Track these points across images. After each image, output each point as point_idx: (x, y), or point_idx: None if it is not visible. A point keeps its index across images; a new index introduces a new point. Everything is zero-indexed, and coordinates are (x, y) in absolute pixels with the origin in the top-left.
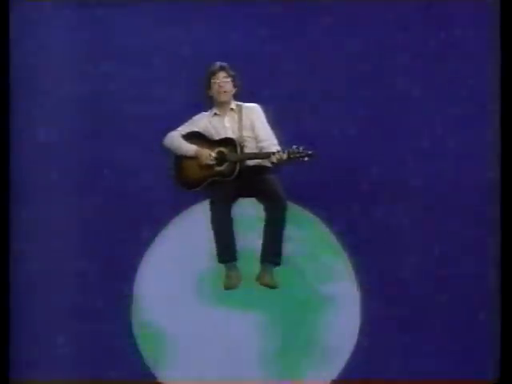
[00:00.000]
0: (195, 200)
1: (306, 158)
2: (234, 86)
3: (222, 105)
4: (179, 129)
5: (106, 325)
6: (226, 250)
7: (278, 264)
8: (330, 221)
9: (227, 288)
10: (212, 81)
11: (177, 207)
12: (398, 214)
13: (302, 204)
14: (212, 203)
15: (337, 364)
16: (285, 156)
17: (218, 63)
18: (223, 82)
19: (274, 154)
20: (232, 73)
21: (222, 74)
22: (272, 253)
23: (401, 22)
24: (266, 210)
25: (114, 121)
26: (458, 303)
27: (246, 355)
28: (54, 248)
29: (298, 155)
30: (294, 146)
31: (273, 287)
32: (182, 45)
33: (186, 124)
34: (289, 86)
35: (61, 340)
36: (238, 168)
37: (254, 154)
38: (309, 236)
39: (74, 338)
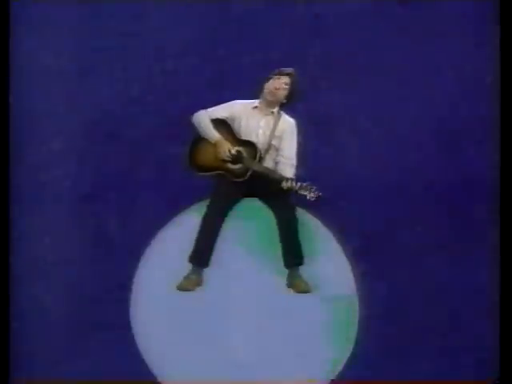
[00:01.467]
0: (196, 199)
1: (313, 199)
2: (287, 98)
3: (267, 103)
4: (211, 109)
5: (106, 324)
6: (201, 253)
7: (301, 264)
8: (330, 222)
9: (181, 289)
10: (273, 78)
11: (180, 204)
12: (397, 216)
13: (303, 206)
14: (210, 202)
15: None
16: (296, 187)
17: (291, 69)
18: (280, 85)
19: (287, 180)
20: (296, 86)
21: (285, 79)
22: (294, 255)
23: (401, 23)
24: (277, 213)
25: (115, 118)
26: (457, 303)
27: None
28: (52, 248)
29: (307, 192)
30: (308, 183)
31: (307, 292)
32: (192, 46)
33: (221, 107)
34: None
35: (61, 340)
36: (250, 172)
37: (269, 171)
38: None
39: (75, 338)
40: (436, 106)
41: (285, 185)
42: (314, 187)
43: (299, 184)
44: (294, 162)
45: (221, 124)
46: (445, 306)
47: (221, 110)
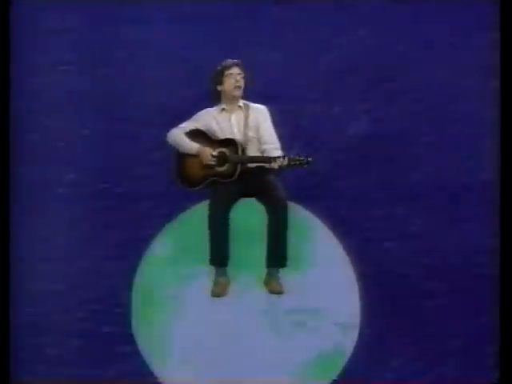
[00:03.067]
0: (196, 200)
1: (306, 166)
2: (244, 84)
3: (232, 100)
4: (182, 125)
5: (106, 324)
6: (218, 254)
7: (283, 266)
8: (329, 220)
9: (214, 295)
10: (226, 75)
11: (177, 207)
12: (398, 214)
13: (302, 204)
14: (210, 204)
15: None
16: (285, 162)
17: (233, 60)
18: (239, 77)
19: (275, 159)
20: (243, 70)
21: (236, 70)
22: (277, 255)
23: (401, 23)
24: (268, 211)
25: (115, 119)
26: (457, 303)
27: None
28: (53, 247)
29: (298, 162)
30: (295, 153)
31: (279, 293)
32: (184, 46)
33: (190, 120)
34: (294, 86)
35: (61, 340)
36: (238, 169)
37: (255, 157)
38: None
39: (74, 338)
40: None
41: (274, 164)
42: (302, 155)
43: (287, 158)
44: (277, 144)
45: (196, 134)
46: (445, 306)
47: (192, 122)
